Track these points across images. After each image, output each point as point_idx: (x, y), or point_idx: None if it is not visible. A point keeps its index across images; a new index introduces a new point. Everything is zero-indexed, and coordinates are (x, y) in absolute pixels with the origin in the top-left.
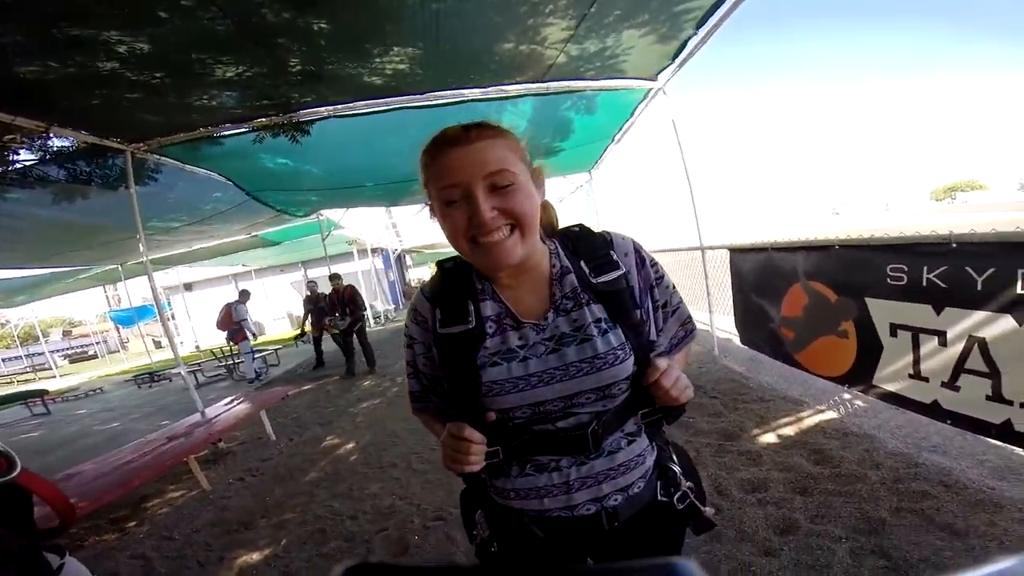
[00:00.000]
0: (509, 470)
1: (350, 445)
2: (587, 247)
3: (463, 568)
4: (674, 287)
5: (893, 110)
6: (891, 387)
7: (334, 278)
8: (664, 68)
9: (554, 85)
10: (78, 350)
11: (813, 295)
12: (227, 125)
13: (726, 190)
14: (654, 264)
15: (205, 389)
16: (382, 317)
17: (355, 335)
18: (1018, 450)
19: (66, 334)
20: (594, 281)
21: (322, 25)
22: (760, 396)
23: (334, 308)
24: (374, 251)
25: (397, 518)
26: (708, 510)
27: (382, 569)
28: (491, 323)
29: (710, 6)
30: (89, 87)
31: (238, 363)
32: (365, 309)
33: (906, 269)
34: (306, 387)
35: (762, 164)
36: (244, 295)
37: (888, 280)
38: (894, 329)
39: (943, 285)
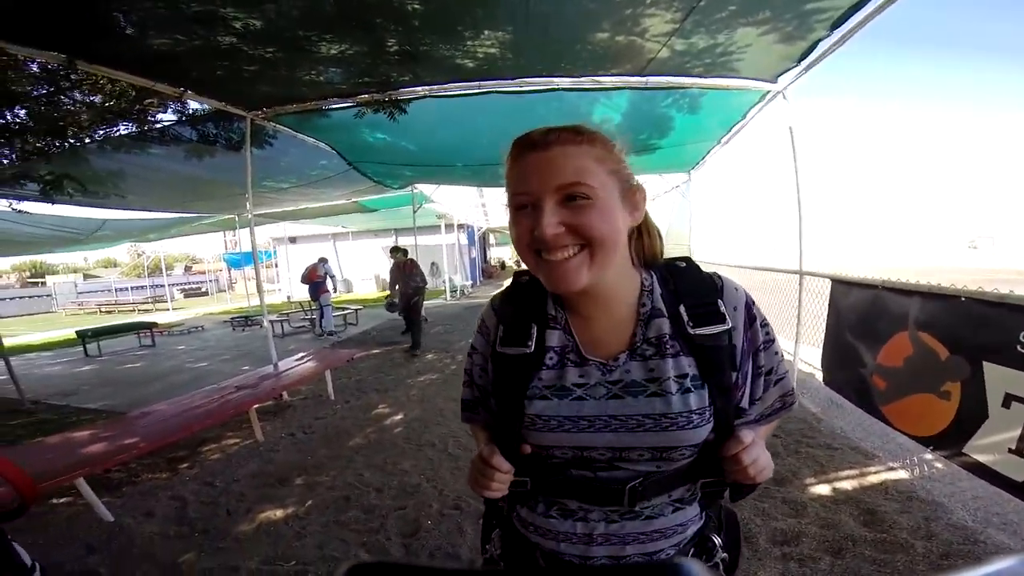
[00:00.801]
0: (535, 505)
1: (398, 417)
2: (691, 289)
3: (464, 571)
4: (782, 354)
5: None
6: (982, 458)
7: (395, 251)
8: (786, 70)
9: (654, 80)
10: (194, 285)
11: (920, 347)
12: (333, 99)
13: (837, 206)
14: (764, 324)
15: (289, 339)
16: (458, 291)
17: (410, 310)
18: None
19: (187, 269)
20: (692, 332)
21: (416, 7)
22: (828, 443)
23: (402, 283)
24: (460, 227)
25: (418, 499)
26: None
27: (384, 568)
28: (553, 354)
29: (850, 5)
30: (212, 59)
31: (318, 317)
32: (424, 284)
33: None
34: (374, 351)
35: (884, 184)
36: (322, 260)
37: (1018, 347)
38: (1009, 400)
39: None
